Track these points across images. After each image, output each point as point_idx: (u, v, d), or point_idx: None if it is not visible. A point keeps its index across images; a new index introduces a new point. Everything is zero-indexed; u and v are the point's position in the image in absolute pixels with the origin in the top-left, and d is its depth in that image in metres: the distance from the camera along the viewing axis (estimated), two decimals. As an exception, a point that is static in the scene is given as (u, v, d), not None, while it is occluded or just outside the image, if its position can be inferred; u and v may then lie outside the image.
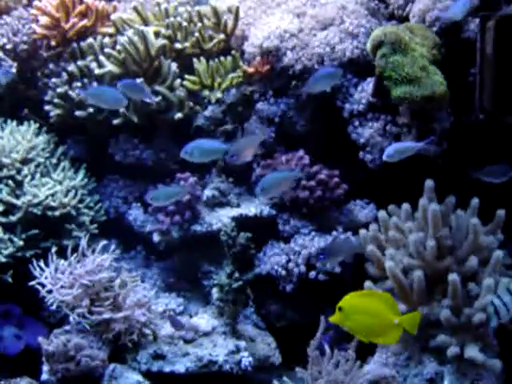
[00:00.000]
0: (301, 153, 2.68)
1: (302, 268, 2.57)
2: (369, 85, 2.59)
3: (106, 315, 2.33)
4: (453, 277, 2.16)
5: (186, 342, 2.46)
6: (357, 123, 2.62)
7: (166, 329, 2.49)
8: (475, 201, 2.36)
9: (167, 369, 2.35)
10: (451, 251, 2.30)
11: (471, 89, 2.44)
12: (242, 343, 2.46)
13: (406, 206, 2.41)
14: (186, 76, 2.85)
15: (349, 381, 2.07)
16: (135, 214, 2.84)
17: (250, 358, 2.42)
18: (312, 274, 2.56)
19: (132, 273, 2.55)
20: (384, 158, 2.32)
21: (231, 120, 2.83)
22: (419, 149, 2.31)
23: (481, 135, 2.51)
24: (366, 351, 2.31)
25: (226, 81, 2.81)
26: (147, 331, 2.42)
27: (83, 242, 2.45)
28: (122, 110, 2.73)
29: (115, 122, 2.77)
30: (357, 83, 2.66)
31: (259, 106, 2.78)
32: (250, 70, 2.77)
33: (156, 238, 2.76)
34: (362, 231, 2.46)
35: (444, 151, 2.49)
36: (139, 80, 2.69)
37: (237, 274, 2.44)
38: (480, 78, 2.17)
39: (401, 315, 1.85)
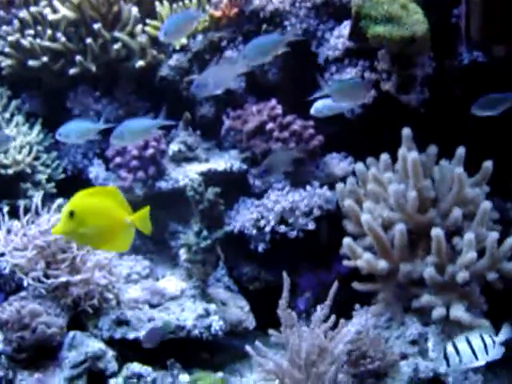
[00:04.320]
0: (273, 102, 2.54)
1: (275, 225, 2.43)
2: (346, 28, 2.42)
3: (63, 278, 2.16)
4: (436, 231, 2.05)
5: (152, 306, 2.33)
6: (333, 69, 2.47)
7: (131, 293, 2.35)
8: (461, 150, 2.22)
9: (131, 335, 2.20)
10: (434, 204, 2.18)
11: (454, 32, 2.30)
12: (212, 307, 2.33)
13: (384, 156, 2.28)
14: (148, 21, 2.66)
15: (330, 341, 1.92)
16: (96, 171, 2.65)
17: (221, 323, 2.29)
18: (281, 227, 2.43)
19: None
20: (312, 112, 2.27)
21: (198, 69, 2.66)
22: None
23: (465, 81, 2.37)
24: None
25: (191, 26, 2.65)
26: (109, 295, 2.26)
27: (37, 200, 2.27)
28: (78, 58, 2.55)
29: (72, 71, 2.59)
30: (333, 27, 2.49)
31: (228, 53, 2.62)
32: (217, 13, 2.61)
33: (118, 195, 2.60)
34: (339, 185, 2.35)
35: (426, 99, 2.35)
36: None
37: (205, 233, 2.31)
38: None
39: (131, 213, 1.67)
